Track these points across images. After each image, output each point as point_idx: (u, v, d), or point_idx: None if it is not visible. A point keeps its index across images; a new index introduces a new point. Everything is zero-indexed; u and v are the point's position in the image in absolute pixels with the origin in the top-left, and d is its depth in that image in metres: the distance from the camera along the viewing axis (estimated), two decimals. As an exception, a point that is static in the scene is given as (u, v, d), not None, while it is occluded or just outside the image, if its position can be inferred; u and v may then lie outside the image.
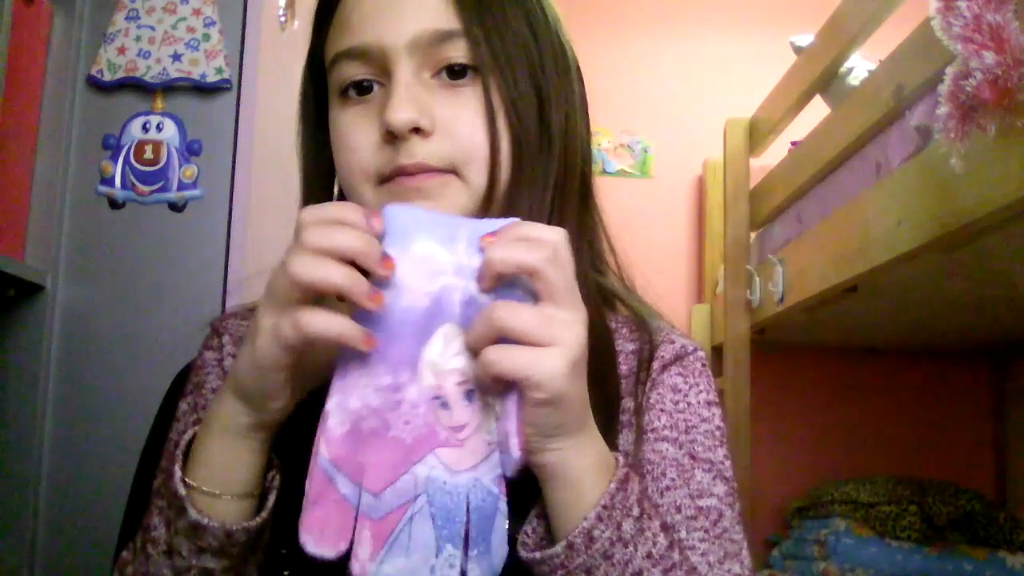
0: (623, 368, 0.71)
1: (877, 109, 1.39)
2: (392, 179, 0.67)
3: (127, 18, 1.67)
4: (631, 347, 0.72)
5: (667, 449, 0.67)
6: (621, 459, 0.58)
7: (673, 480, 0.67)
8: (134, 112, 1.67)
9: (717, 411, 0.71)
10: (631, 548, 0.55)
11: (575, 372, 0.52)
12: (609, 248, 0.76)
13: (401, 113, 0.65)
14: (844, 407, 2.33)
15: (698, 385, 0.71)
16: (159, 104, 1.67)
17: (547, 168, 0.69)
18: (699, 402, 0.70)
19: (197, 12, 1.67)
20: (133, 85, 1.66)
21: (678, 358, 0.71)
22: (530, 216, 0.65)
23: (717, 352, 2.21)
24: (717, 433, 0.70)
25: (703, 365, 0.73)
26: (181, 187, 1.65)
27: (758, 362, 1.97)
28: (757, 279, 1.90)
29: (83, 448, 1.57)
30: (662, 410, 0.69)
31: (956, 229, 1.11)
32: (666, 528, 0.59)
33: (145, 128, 1.67)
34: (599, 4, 2.50)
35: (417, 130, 0.66)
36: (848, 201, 1.48)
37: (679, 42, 2.54)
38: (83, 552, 1.52)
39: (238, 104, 1.67)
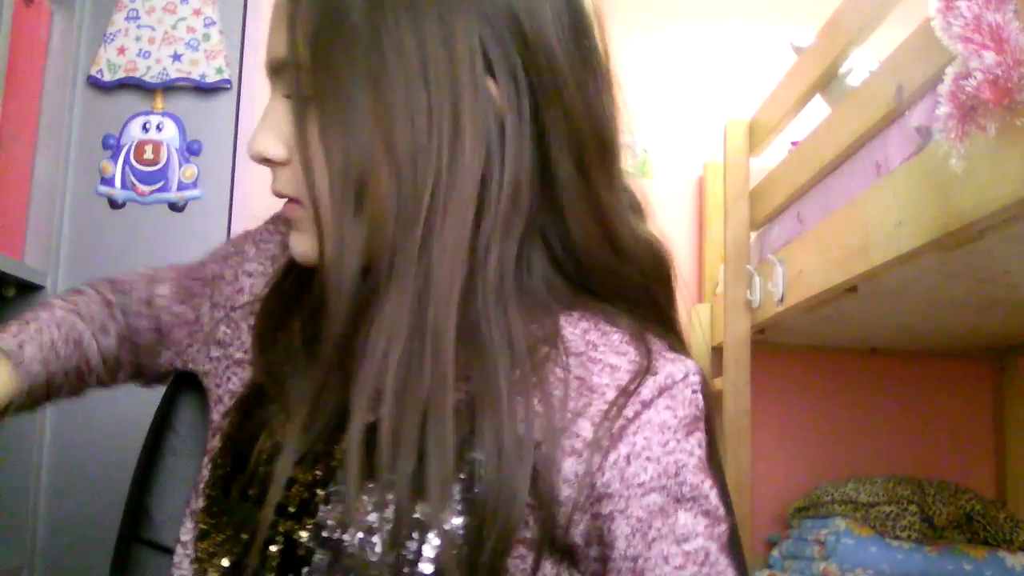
0: (596, 380, 0.66)
1: (877, 109, 1.39)
2: None
3: (127, 18, 1.67)
4: (615, 360, 0.67)
5: (654, 501, 0.64)
6: None
7: (659, 530, 0.63)
8: (134, 112, 1.67)
9: (697, 438, 0.67)
10: None
11: None
12: (601, 238, 0.68)
13: (253, 144, 0.67)
14: (844, 407, 2.33)
15: (686, 417, 0.67)
16: (159, 104, 1.68)
17: (418, 194, 0.61)
18: (684, 434, 0.66)
19: (197, 12, 1.67)
20: (133, 85, 1.66)
21: (663, 391, 0.66)
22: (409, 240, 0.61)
23: (717, 352, 2.21)
24: (701, 463, 0.66)
25: (693, 392, 0.68)
26: (181, 187, 1.66)
27: (758, 362, 1.97)
28: (757, 279, 1.89)
29: (83, 448, 1.57)
30: (648, 459, 0.64)
31: (956, 229, 1.11)
32: None
33: (145, 128, 1.67)
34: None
35: (269, 160, 0.67)
36: (848, 201, 1.48)
37: (679, 42, 2.54)
38: (83, 552, 1.52)
39: (238, 104, 1.68)
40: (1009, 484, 2.27)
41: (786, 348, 2.26)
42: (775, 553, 2.13)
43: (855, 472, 2.14)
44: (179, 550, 0.72)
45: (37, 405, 0.81)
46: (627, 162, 2.33)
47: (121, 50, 1.66)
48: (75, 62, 1.65)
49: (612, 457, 0.64)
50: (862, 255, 1.38)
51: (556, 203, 0.67)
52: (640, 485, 0.63)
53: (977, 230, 1.11)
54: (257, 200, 1.67)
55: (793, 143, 2.05)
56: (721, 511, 0.66)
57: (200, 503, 0.71)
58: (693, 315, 2.32)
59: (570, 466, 0.63)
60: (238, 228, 1.65)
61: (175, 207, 1.66)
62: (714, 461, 0.89)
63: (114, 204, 1.65)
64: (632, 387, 0.65)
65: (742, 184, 2.04)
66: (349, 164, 0.62)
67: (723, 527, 0.66)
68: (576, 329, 0.69)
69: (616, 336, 0.69)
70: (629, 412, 0.65)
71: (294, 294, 0.73)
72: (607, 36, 0.71)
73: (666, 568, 0.62)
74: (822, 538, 1.95)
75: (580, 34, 0.68)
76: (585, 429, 0.64)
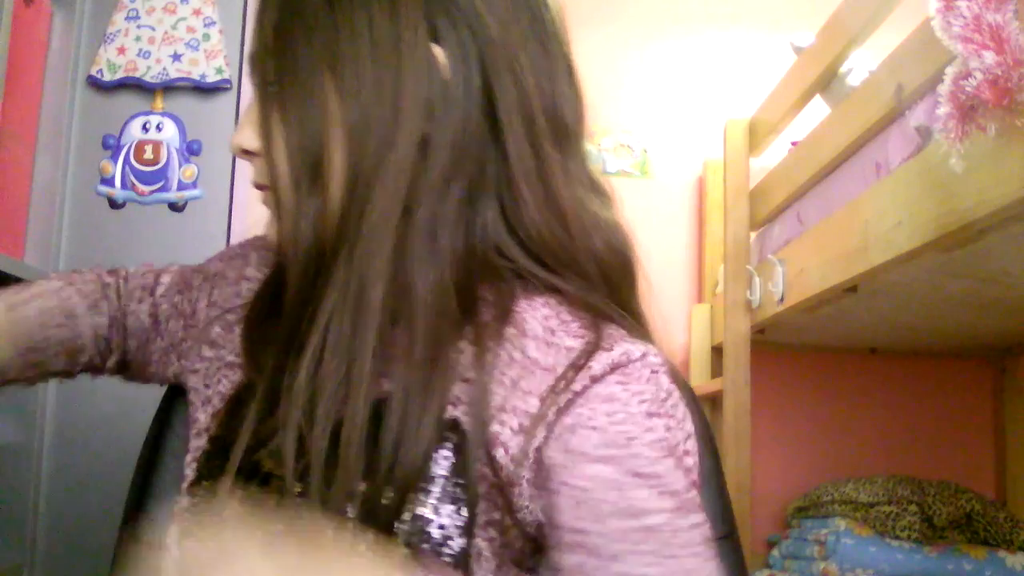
0: (550, 360, 0.65)
1: (877, 109, 1.39)
2: None
3: (127, 18, 1.67)
4: (571, 343, 0.66)
5: (601, 470, 0.62)
6: None
7: (614, 504, 0.61)
8: (134, 112, 1.67)
9: (660, 422, 0.64)
10: None
11: None
12: (543, 224, 0.68)
13: (233, 139, 0.70)
14: (844, 407, 2.33)
15: (641, 393, 0.64)
16: (159, 104, 1.68)
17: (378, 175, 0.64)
18: (641, 412, 0.63)
19: (197, 12, 1.67)
20: (133, 85, 1.66)
21: (616, 367, 0.64)
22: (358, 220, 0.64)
23: (717, 352, 2.21)
24: (661, 444, 0.63)
25: (653, 372, 0.65)
26: (181, 187, 1.66)
27: (758, 362, 1.97)
28: (757, 279, 1.89)
29: (83, 448, 1.57)
30: (593, 428, 0.62)
31: (956, 229, 1.11)
32: None
33: (145, 128, 1.67)
34: (598, 4, 2.50)
35: (248, 152, 0.70)
36: (848, 201, 1.48)
37: (679, 42, 2.54)
38: (83, 552, 1.52)
39: (238, 104, 1.68)
40: (1009, 484, 2.27)
41: (786, 348, 2.26)
42: (775, 553, 2.13)
43: (855, 472, 2.14)
44: (164, 555, 0.72)
45: (32, 376, 0.82)
46: (627, 162, 2.31)
47: (121, 50, 1.66)
48: (75, 62, 1.65)
49: (557, 430, 0.63)
50: (862, 255, 1.38)
51: (509, 175, 0.68)
52: (583, 454, 0.62)
53: (977, 230, 1.11)
54: (257, 200, 1.66)
55: (793, 143, 2.05)
56: (695, 500, 0.63)
57: (184, 502, 0.71)
58: (693, 315, 2.32)
59: (517, 444, 0.63)
60: (238, 228, 1.65)
61: (175, 207, 1.66)
62: (713, 466, 0.88)
63: (114, 204, 1.65)
64: (582, 361, 0.64)
65: (742, 184, 2.04)
66: (305, 143, 0.65)
67: (698, 518, 0.63)
68: (537, 315, 0.68)
69: (576, 324, 0.67)
70: (577, 386, 0.63)
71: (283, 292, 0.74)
72: (567, 27, 0.73)
73: (624, 545, 0.60)
74: (822, 538, 1.95)
75: (535, 18, 0.70)
76: (533, 406, 0.64)
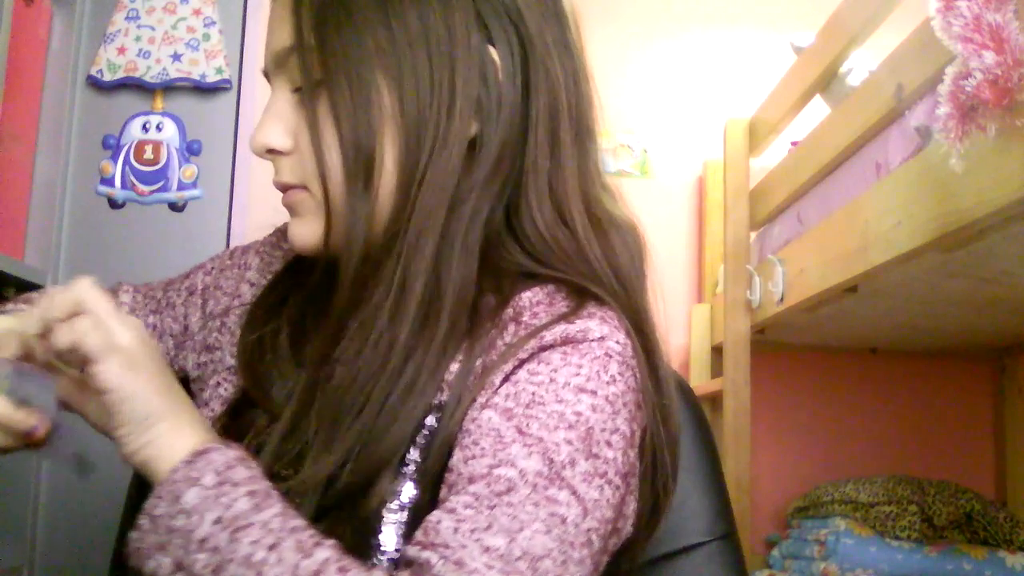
0: (509, 339, 0.65)
1: (877, 109, 1.39)
2: None
3: (127, 18, 1.67)
4: (545, 321, 0.66)
5: (490, 418, 0.60)
6: (217, 442, 0.59)
7: (483, 450, 0.59)
8: (134, 112, 1.68)
9: (585, 399, 0.61)
10: (196, 516, 0.54)
11: (130, 369, 0.59)
12: (542, 222, 0.68)
13: (256, 137, 0.68)
14: (844, 407, 2.33)
15: (580, 368, 0.62)
16: (159, 104, 1.68)
17: (411, 174, 0.64)
18: (567, 383, 0.61)
19: (197, 12, 1.68)
20: (133, 85, 1.66)
21: (568, 340, 0.63)
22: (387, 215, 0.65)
23: (717, 352, 2.21)
24: (572, 419, 0.60)
25: (606, 355, 0.63)
26: (181, 187, 1.66)
27: (758, 362, 1.97)
28: (757, 279, 1.89)
29: (83, 447, 1.57)
30: (513, 382, 0.62)
31: (956, 229, 1.11)
32: (267, 495, 0.56)
33: (145, 128, 1.67)
34: (598, 4, 2.50)
35: (274, 151, 0.68)
36: (848, 201, 1.48)
37: (679, 42, 2.54)
38: (83, 552, 1.52)
39: (238, 104, 1.68)
40: (1009, 484, 2.27)
41: (786, 348, 2.26)
42: (775, 553, 2.13)
43: (855, 472, 2.14)
44: None
45: None
46: (627, 162, 2.32)
47: (121, 50, 1.66)
48: (75, 62, 1.65)
49: (500, 391, 0.62)
50: (862, 255, 1.38)
51: (521, 172, 0.68)
52: (493, 405, 0.61)
53: (977, 230, 1.11)
54: (257, 200, 1.67)
55: (793, 143, 2.05)
56: (580, 487, 0.59)
57: None
58: (693, 315, 2.32)
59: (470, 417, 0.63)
60: (238, 228, 1.65)
61: (175, 207, 1.66)
62: (708, 464, 0.88)
63: (114, 204, 1.66)
64: (540, 332, 0.63)
65: (742, 184, 2.04)
66: (359, 140, 0.64)
67: (567, 499, 0.58)
68: (532, 299, 0.68)
69: (563, 305, 0.67)
70: (524, 354, 0.63)
71: (283, 302, 0.73)
72: (582, 32, 0.74)
73: (477, 488, 0.58)
74: (822, 538, 1.95)
75: (559, 19, 0.71)
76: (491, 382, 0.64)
